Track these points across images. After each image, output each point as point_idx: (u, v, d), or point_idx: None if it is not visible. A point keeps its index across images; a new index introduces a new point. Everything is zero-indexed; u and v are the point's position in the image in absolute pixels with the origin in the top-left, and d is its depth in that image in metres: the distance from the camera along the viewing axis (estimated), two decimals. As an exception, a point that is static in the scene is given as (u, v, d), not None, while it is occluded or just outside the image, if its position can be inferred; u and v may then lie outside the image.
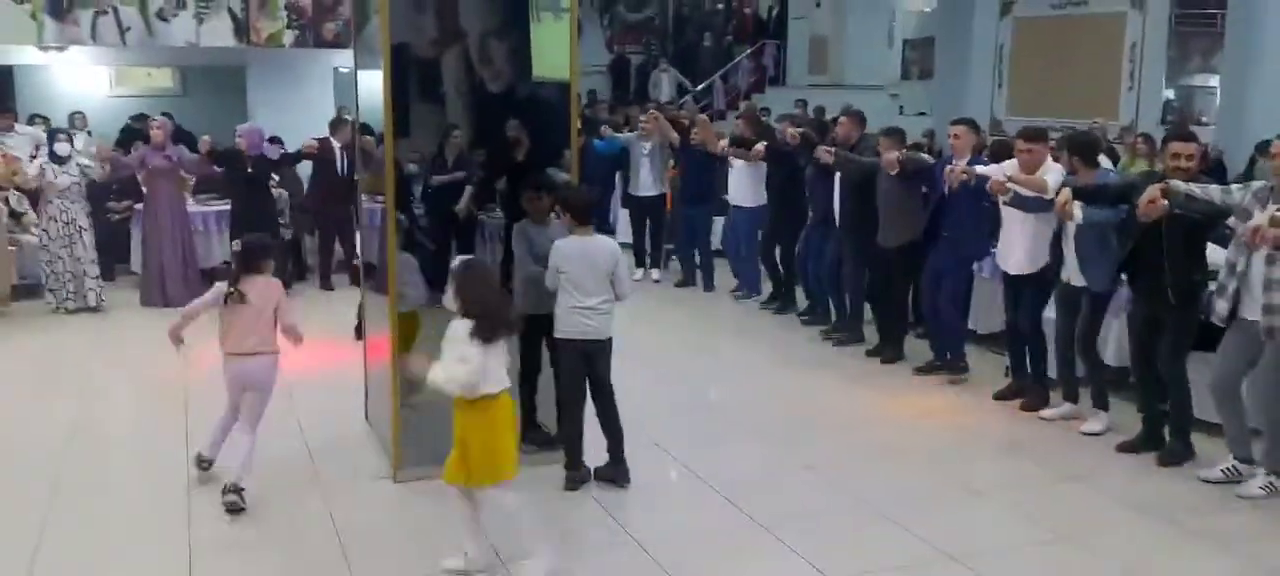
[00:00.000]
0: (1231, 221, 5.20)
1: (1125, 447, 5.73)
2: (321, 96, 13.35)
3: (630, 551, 4.54)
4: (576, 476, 5.11)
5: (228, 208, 9.64)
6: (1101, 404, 6.09)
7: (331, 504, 4.94)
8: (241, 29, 12.80)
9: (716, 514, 4.98)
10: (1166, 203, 5.06)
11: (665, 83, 17.10)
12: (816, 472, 5.49)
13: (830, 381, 7.18)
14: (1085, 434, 6.00)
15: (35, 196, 9.09)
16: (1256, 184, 5.25)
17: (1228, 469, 5.27)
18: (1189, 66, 13.45)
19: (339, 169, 9.84)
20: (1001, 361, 6.95)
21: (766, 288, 9.38)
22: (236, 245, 5.45)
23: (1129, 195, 5.43)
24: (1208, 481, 5.28)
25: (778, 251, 9.04)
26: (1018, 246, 6.34)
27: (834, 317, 8.27)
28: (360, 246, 7.89)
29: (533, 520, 4.33)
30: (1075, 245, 5.88)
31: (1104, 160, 7.21)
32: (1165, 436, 5.63)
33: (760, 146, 8.98)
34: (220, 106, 13.63)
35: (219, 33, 12.70)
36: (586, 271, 4.90)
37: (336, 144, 9.86)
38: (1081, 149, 6.12)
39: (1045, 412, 6.33)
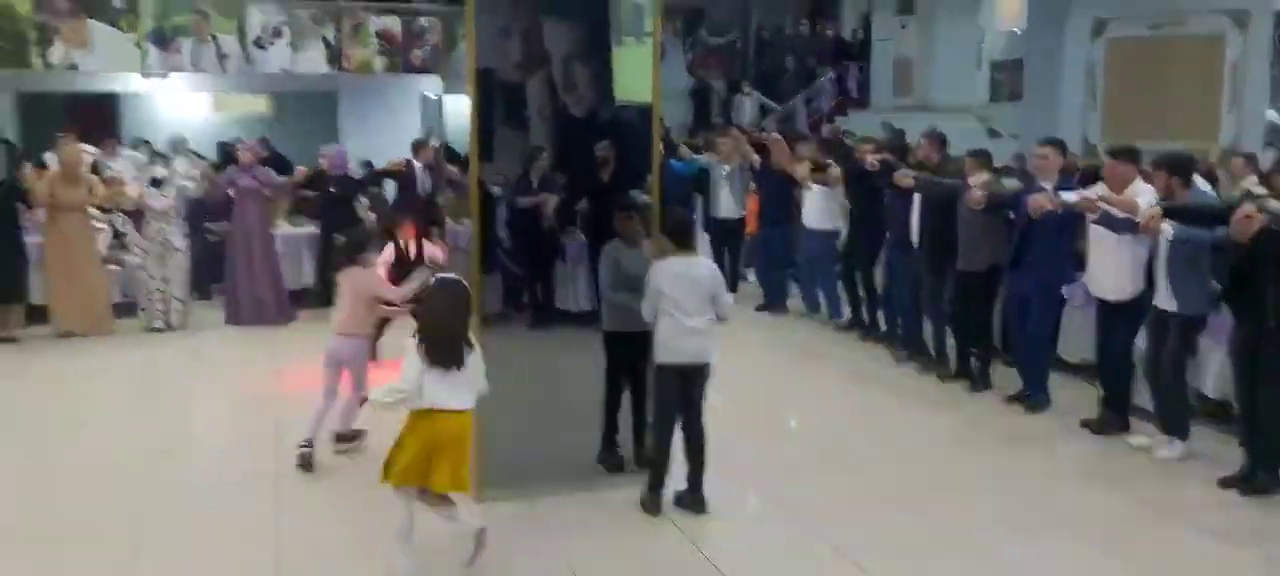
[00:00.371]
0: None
1: (1228, 482, 5.50)
2: (409, 120, 13.64)
3: (708, 577, 4.50)
4: (657, 499, 5.06)
5: (316, 230, 9.89)
6: (1179, 431, 5.88)
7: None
8: (334, 56, 13.20)
9: (795, 541, 4.91)
10: (1263, 218, 4.89)
11: (747, 106, 17.06)
12: (897, 501, 5.39)
13: (909, 407, 7.06)
14: (1160, 459, 5.84)
15: (138, 218, 9.45)
16: None
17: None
18: (1293, 86, 12.93)
19: (420, 188, 10.04)
20: (1090, 389, 6.75)
21: (845, 311, 9.27)
22: (339, 238, 6.19)
23: (1224, 216, 5.26)
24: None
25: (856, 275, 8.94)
26: (1109, 270, 6.17)
27: (914, 343, 8.12)
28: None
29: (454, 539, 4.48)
30: (1166, 267, 5.70)
31: (1202, 183, 6.98)
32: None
33: (837, 170, 8.91)
34: (312, 131, 13.99)
35: (312, 60, 13.11)
36: (689, 293, 4.88)
37: (418, 164, 10.07)
38: (1177, 167, 5.94)
39: (1131, 440, 6.14)
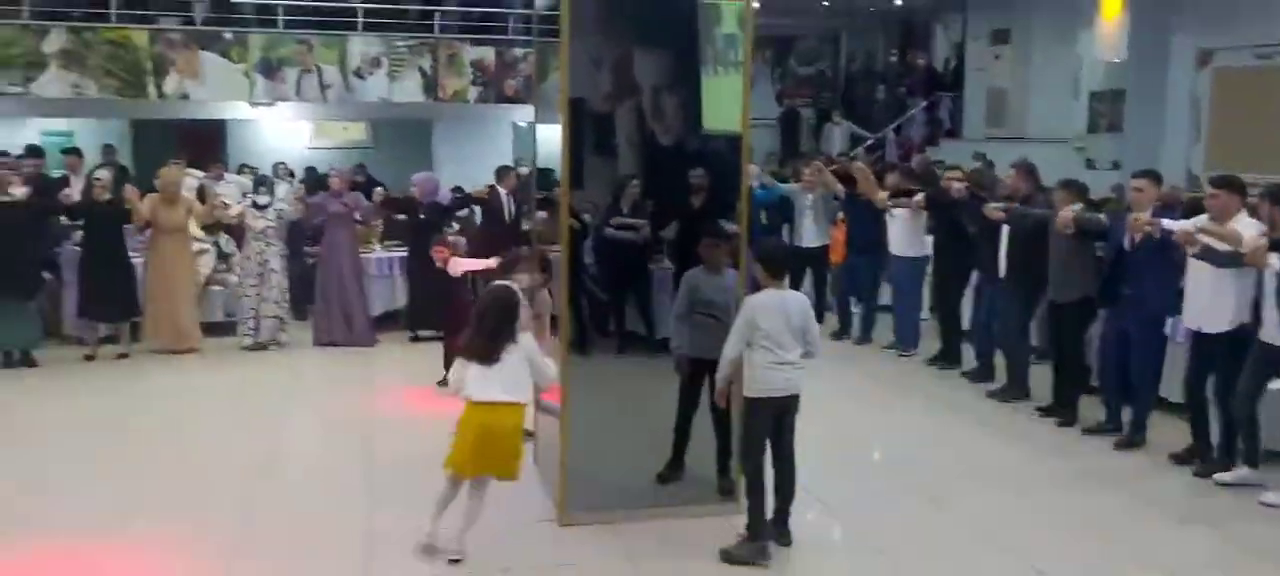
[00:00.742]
0: None
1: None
2: (501, 149, 13.93)
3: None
4: (762, 548, 4.86)
5: (407, 254, 10.11)
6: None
7: (500, 542, 5.06)
8: (430, 86, 13.55)
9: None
10: None
11: (837, 135, 16.97)
12: (984, 536, 5.29)
13: (997, 440, 6.95)
14: (1264, 505, 5.62)
15: (242, 240, 9.80)
16: None
17: None
18: None
19: (505, 215, 10.19)
20: (1180, 424, 6.55)
21: (934, 343, 9.15)
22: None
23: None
24: None
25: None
26: (1206, 303, 5.99)
27: (1000, 374, 7.98)
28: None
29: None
30: (1275, 300, 5.50)
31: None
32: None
33: (920, 197, 8.81)
34: (407, 158, 14.39)
35: (409, 89, 13.48)
36: (783, 325, 4.80)
37: (503, 191, 10.23)
38: (1283, 199, 5.75)
39: (1221, 476, 5.94)
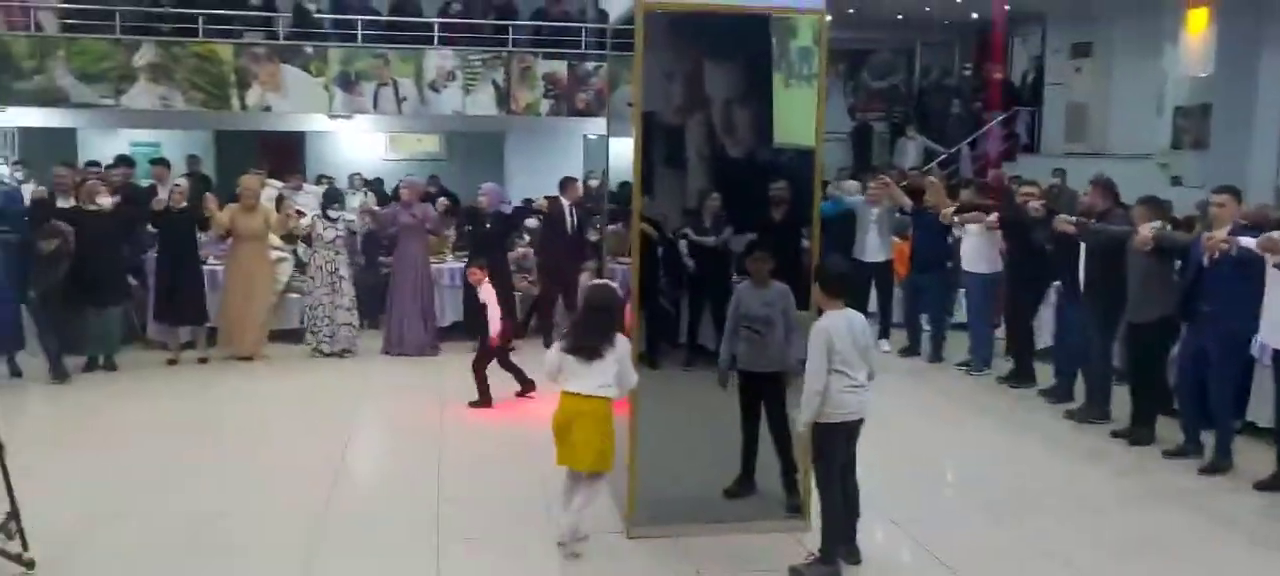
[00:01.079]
0: None
1: None
2: (572, 161, 14.02)
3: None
4: (834, 572, 4.80)
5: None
6: None
7: (563, 553, 5.07)
8: (503, 99, 13.71)
9: (954, 598, 4.76)
10: None
11: (911, 149, 16.74)
12: (1056, 556, 5.17)
13: (1070, 459, 6.80)
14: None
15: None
16: None
17: None
18: None
19: (567, 226, 10.25)
20: (1269, 449, 6.32)
21: (1007, 361, 8.98)
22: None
23: None
24: None
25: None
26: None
27: (1077, 393, 7.80)
28: None
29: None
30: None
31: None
32: None
33: (993, 216, 8.65)
34: (480, 170, 14.55)
35: (482, 102, 13.66)
36: (851, 347, 4.70)
37: (566, 202, 10.28)
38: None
39: None
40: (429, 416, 7.57)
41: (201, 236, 9.61)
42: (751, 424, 5.37)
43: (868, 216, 9.96)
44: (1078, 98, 16.44)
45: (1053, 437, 7.30)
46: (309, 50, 13.30)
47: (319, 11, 13.86)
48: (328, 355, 9.48)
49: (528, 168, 14.14)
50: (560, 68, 13.80)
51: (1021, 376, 8.70)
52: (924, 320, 10.01)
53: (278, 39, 13.47)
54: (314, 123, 14.26)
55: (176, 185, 9.77)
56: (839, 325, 4.68)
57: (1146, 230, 6.72)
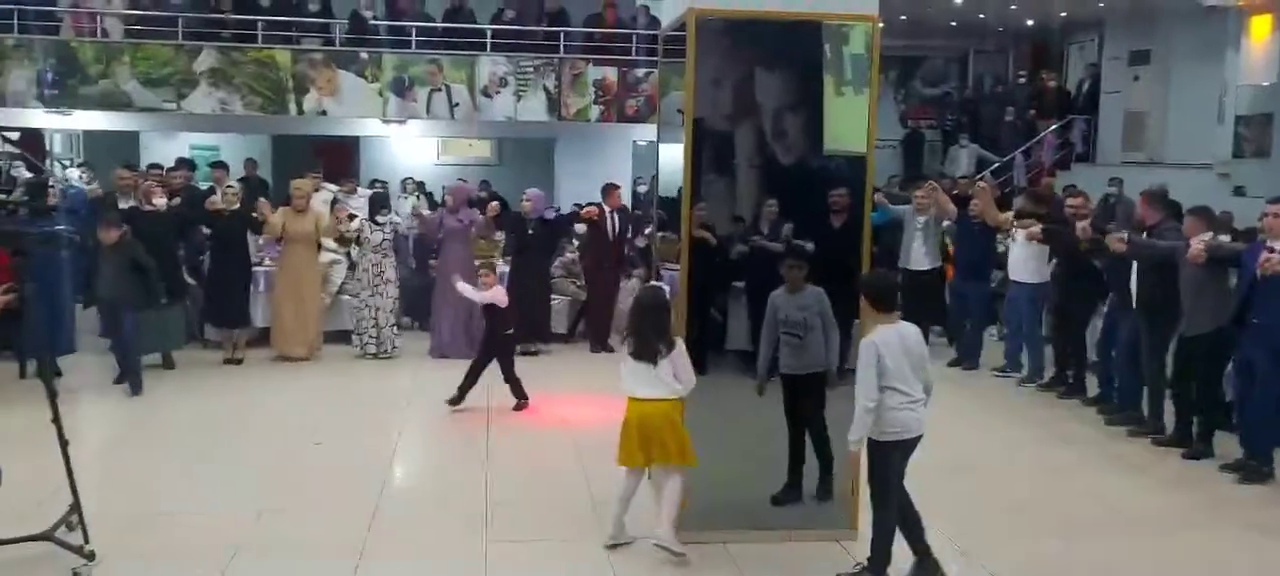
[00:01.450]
0: None
1: None
2: (621, 167, 14.09)
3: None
4: None
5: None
6: None
7: (612, 556, 5.12)
8: (553, 105, 13.80)
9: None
10: None
11: (964, 158, 16.55)
12: (1101, 571, 5.13)
13: (1118, 472, 6.73)
14: None
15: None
16: None
17: None
18: None
19: (609, 231, 10.28)
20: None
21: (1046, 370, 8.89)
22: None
23: None
24: None
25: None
26: None
27: (1128, 405, 7.69)
28: None
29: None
30: None
31: None
32: None
33: (1037, 228, 8.54)
34: (530, 174, 14.68)
35: (534, 108, 13.77)
36: (904, 360, 4.54)
37: (608, 207, 10.32)
38: None
39: None
40: (474, 418, 7.64)
41: (259, 240, 9.78)
42: (798, 430, 5.37)
43: (913, 224, 9.88)
44: (1135, 106, 16.15)
45: (1101, 448, 7.22)
46: (364, 56, 13.50)
47: (375, 18, 14.07)
48: (374, 357, 9.60)
49: (577, 173, 14.24)
50: (611, 74, 13.87)
51: (1067, 386, 8.59)
52: (960, 326, 9.96)
53: (334, 45, 13.69)
54: (368, 127, 14.47)
55: (229, 186, 9.96)
56: (890, 339, 4.54)
57: (1198, 243, 6.59)
